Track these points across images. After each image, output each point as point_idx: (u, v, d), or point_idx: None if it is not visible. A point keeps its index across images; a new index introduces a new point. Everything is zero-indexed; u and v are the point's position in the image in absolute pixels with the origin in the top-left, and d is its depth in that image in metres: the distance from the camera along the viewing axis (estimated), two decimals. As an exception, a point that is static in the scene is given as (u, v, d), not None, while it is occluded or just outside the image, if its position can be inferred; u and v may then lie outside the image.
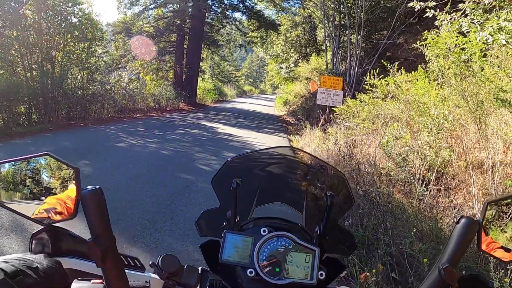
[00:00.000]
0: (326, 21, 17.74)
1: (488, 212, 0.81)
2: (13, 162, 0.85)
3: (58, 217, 0.83)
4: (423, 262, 3.17)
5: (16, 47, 11.97)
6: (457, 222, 0.75)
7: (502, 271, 2.76)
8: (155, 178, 6.67)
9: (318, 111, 13.20)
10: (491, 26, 4.77)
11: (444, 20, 6.90)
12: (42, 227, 0.92)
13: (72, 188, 0.82)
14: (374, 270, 3.25)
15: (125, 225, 4.53)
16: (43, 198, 0.85)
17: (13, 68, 11.97)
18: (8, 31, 11.59)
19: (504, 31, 4.62)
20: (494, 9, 5.72)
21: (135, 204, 5.24)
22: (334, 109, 11.32)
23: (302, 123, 14.04)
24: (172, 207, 5.27)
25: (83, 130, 11.71)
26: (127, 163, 7.51)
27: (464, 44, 5.15)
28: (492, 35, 4.69)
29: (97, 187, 0.78)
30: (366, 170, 5.46)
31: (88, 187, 0.78)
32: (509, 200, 0.82)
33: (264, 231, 1.04)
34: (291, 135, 13.58)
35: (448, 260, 0.73)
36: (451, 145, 5.76)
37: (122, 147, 9.22)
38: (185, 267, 0.99)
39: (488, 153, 4.78)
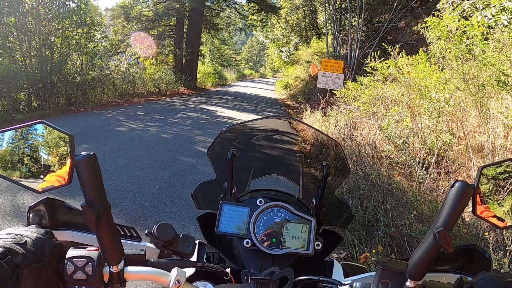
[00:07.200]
0: (326, 4, 17.56)
1: (485, 186, 0.81)
2: (10, 132, 0.84)
3: (53, 184, 0.83)
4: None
5: (15, 33, 11.84)
6: (452, 186, 0.74)
7: (501, 252, 2.76)
8: (156, 161, 6.67)
9: (318, 94, 13.16)
10: (494, 6, 4.73)
11: (446, 3, 6.85)
12: (39, 199, 0.92)
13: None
14: (374, 251, 3.28)
15: (126, 207, 4.54)
16: (42, 176, 0.84)
17: (12, 55, 11.83)
18: (6, 18, 11.43)
19: (507, 11, 4.58)
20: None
21: (136, 187, 5.26)
22: (335, 92, 11.30)
23: (302, 106, 14.00)
24: (172, 190, 5.28)
25: (83, 115, 11.68)
26: (128, 147, 7.50)
27: (465, 27, 5.12)
28: (493, 16, 4.66)
29: (91, 153, 0.77)
30: (366, 152, 5.46)
31: (82, 153, 0.77)
32: (503, 165, 0.82)
33: (260, 201, 1.04)
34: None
35: (443, 224, 0.72)
36: (452, 129, 5.76)
37: (122, 131, 9.20)
38: (181, 236, 0.99)
39: (489, 137, 4.78)
